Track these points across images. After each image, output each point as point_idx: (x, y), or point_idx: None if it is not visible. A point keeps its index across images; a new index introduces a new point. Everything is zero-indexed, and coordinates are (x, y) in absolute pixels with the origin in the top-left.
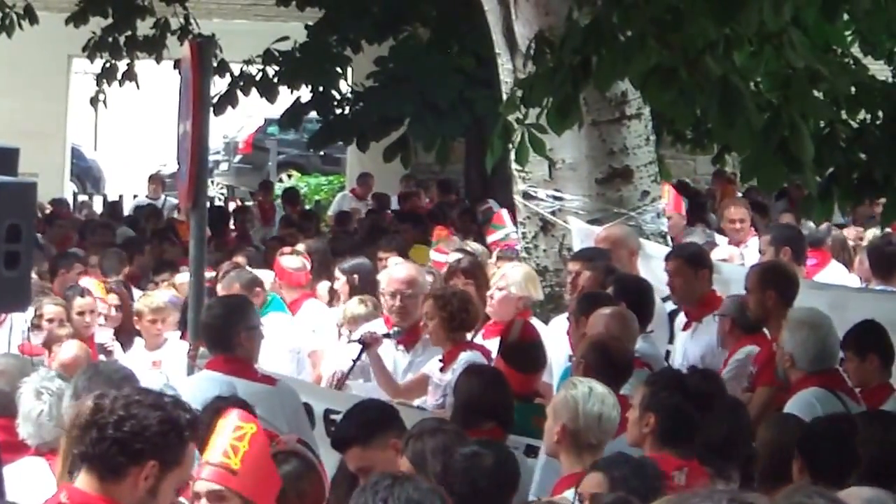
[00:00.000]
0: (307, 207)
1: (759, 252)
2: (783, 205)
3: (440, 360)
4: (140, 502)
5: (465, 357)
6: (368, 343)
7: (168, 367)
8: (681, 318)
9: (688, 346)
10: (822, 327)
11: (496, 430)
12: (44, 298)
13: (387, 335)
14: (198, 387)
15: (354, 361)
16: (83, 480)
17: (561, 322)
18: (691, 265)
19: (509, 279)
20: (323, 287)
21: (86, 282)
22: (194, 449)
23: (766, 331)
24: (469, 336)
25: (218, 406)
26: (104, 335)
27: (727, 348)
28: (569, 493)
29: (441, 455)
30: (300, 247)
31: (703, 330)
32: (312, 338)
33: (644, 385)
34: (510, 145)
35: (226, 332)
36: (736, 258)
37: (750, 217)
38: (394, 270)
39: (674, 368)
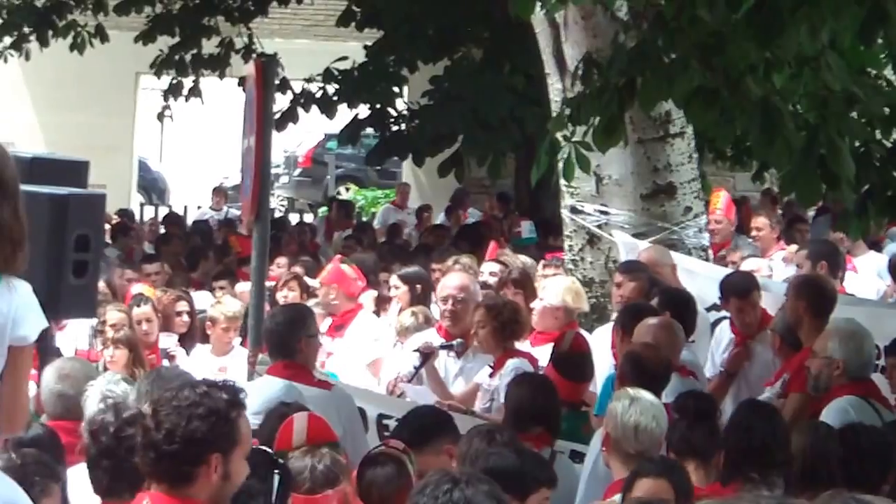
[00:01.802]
0: (363, 219)
1: (797, 266)
2: (824, 220)
3: (490, 367)
4: (218, 490)
5: (512, 364)
6: (427, 353)
7: (233, 372)
8: (726, 333)
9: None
10: (868, 337)
11: (544, 434)
12: (108, 305)
13: (449, 346)
14: (260, 390)
15: (417, 369)
16: (159, 488)
17: (604, 332)
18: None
19: (548, 291)
20: (368, 296)
21: (138, 288)
22: (246, 420)
23: None
24: (517, 344)
25: (283, 412)
26: (168, 341)
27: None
28: (618, 498)
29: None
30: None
31: (757, 348)
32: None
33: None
34: (558, 161)
35: (287, 339)
36: (763, 269)
37: (774, 228)
38: (447, 278)
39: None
